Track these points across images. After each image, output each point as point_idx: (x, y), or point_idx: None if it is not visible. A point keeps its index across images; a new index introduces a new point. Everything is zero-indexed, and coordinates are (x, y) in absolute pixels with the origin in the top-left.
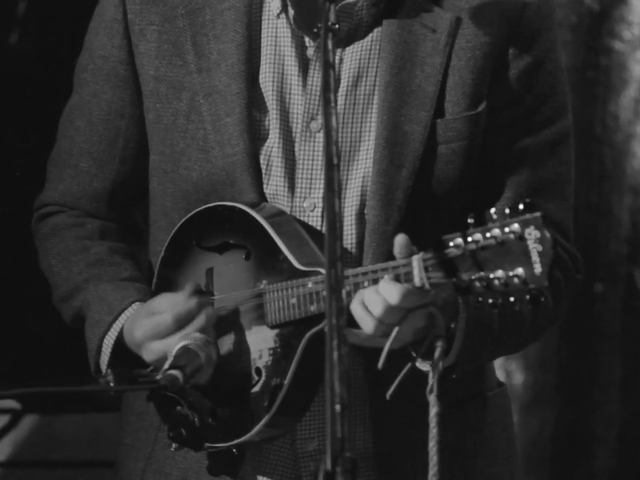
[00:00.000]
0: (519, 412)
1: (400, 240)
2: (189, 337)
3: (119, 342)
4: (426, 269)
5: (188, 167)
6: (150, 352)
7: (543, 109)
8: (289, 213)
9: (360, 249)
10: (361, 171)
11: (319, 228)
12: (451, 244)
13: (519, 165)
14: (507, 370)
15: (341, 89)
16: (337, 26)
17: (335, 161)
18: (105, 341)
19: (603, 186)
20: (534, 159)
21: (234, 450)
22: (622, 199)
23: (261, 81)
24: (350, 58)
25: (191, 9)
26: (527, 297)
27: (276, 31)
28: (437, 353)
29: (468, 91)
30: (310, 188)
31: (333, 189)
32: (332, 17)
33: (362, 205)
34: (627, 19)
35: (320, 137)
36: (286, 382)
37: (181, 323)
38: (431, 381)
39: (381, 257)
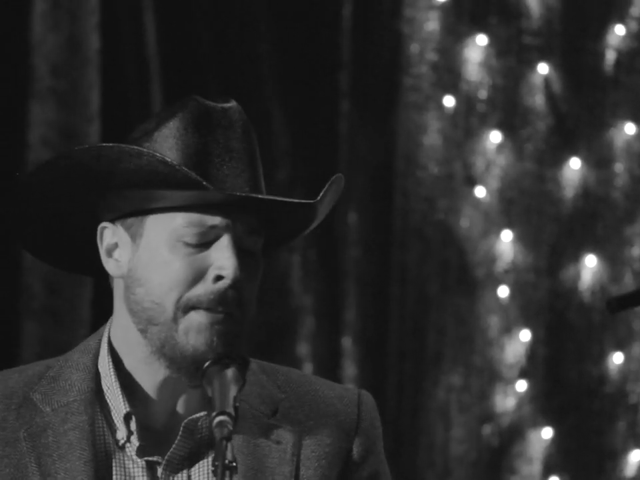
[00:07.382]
0: None
1: None
2: None
3: None
4: None
5: None
6: None
7: None
8: None
9: None
10: None
11: None
12: None
13: None
14: None
15: None
16: (234, 464)
17: None
18: None
19: None
20: None
21: None
22: None
23: None
24: (198, 473)
25: (32, 432)
26: None
27: (123, 453)
28: None
29: None
30: None
31: None
32: (229, 455)
33: None
34: (525, 455)
35: None
36: None
37: None
38: None
39: None
